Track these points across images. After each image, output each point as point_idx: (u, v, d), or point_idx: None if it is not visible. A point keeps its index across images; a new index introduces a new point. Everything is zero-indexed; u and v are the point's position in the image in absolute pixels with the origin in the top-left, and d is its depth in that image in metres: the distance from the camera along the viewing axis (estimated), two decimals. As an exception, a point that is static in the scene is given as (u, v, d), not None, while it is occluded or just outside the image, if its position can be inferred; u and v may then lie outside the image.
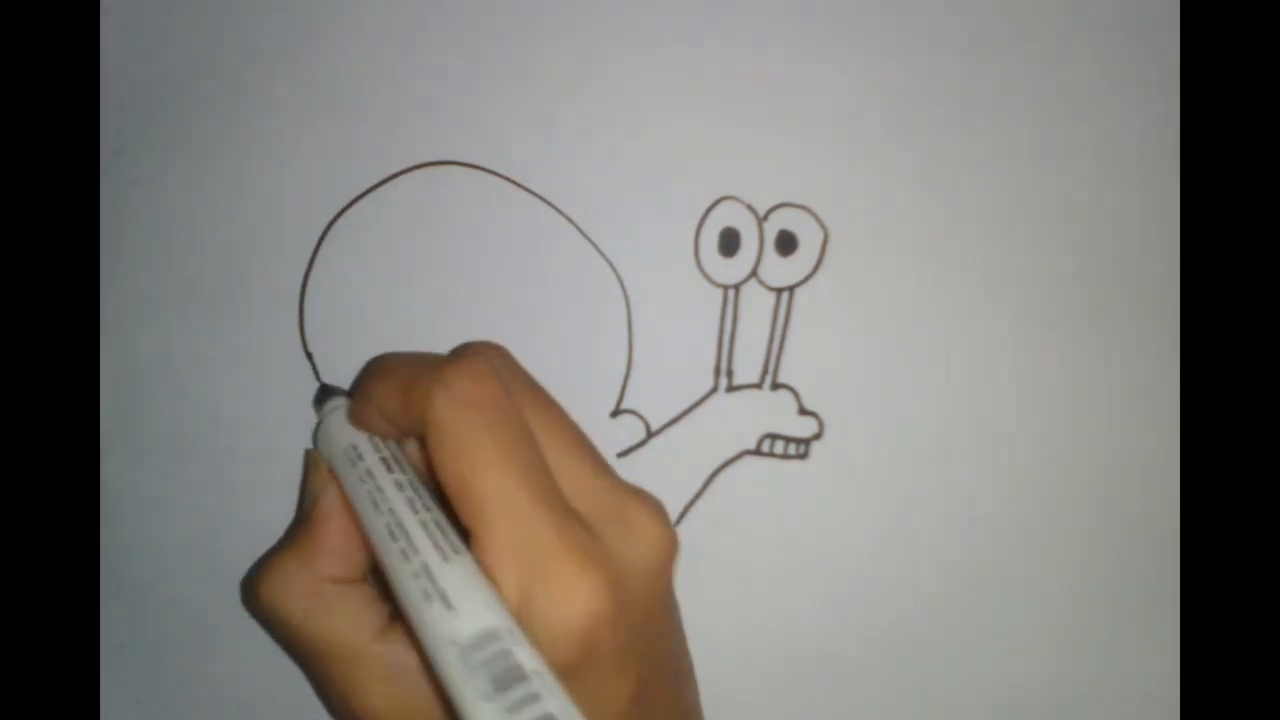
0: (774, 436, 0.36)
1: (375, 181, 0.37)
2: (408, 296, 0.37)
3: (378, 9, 0.37)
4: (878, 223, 0.36)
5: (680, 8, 0.37)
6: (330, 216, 0.37)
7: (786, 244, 0.36)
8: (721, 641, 0.36)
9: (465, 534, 0.26)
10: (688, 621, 0.34)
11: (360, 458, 0.28)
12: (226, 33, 0.38)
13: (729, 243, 0.36)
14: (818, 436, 0.36)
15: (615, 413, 0.36)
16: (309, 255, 0.37)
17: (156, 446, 0.38)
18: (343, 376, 0.37)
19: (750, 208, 0.36)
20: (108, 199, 0.37)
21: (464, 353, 0.27)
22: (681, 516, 0.36)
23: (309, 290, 0.37)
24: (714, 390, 0.36)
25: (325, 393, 0.35)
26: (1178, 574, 0.35)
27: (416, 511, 0.26)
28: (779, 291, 0.36)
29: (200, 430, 0.37)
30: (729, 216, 0.36)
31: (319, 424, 0.32)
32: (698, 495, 0.36)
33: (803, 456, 0.36)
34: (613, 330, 0.36)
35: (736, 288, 0.36)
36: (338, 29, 0.37)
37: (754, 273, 0.36)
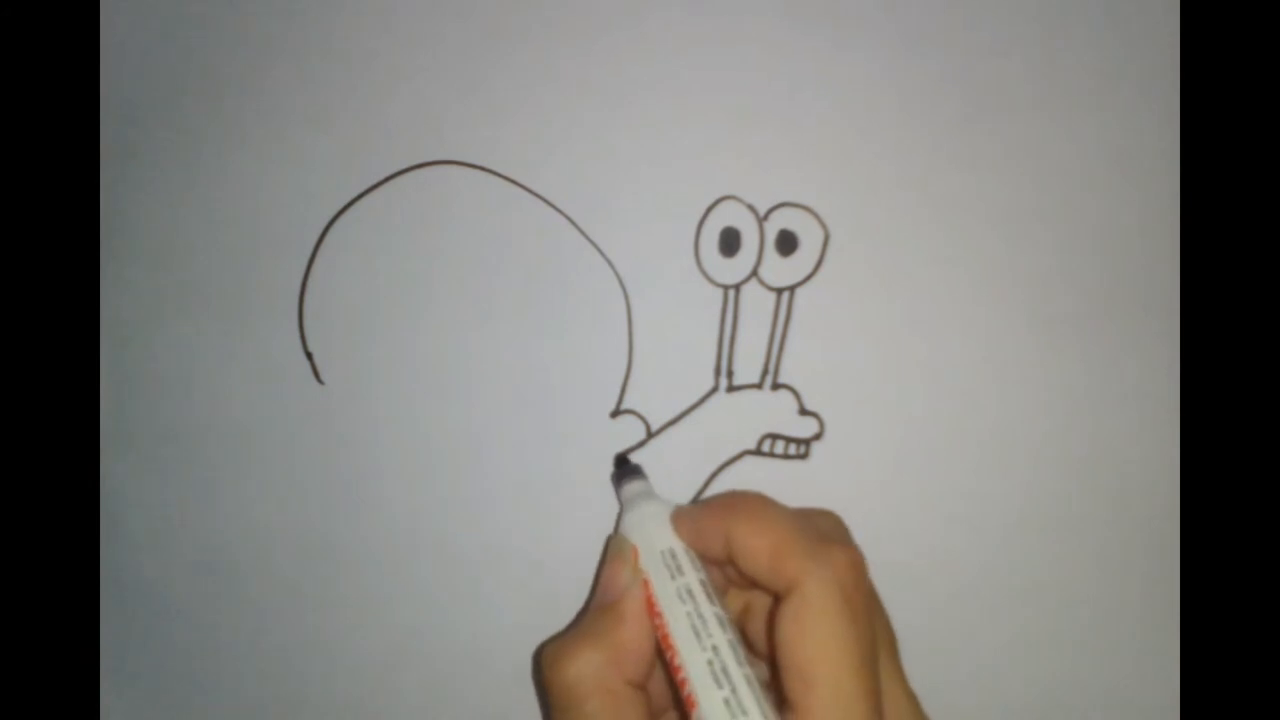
0: (774, 436, 0.36)
1: (375, 181, 0.37)
2: (407, 296, 0.37)
3: (378, 9, 0.37)
4: (878, 223, 0.36)
5: (681, 8, 0.37)
6: (330, 216, 0.37)
7: (787, 244, 0.36)
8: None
9: (777, 700, 0.26)
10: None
11: (680, 571, 0.29)
12: (226, 33, 0.38)
13: (729, 242, 0.36)
14: (818, 436, 0.36)
15: (615, 413, 0.36)
16: (309, 255, 0.37)
17: (156, 446, 0.38)
18: (342, 376, 0.37)
19: (750, 208, 0.36)
20: (108, 199, 0.37)
21: (842, 538, 0.29)
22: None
23: (309, 290, 0.37)
24: (714, 390, 0.36)
25: (627, 469, 0.34)
26: (1178, 574, 0.35)
27: (740, 664, 0.27)
28: (779, 291, 0.36)
29: (200, 430, 0.37)
30: (729, 216, 0.36)
31: (629, 508, 0.32)
32: (698, 495, 0.36)
33: (803, 456, 0.36)
34: (613, 330, 0.36)
35: (736, 288, 0.36)
36: (338, 29, 0.37)
37: (754, 273, 0.36)
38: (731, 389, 0.36)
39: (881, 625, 0.29)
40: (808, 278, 0.36)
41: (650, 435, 0.36)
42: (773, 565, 0.27)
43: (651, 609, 0.28)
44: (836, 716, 0.25)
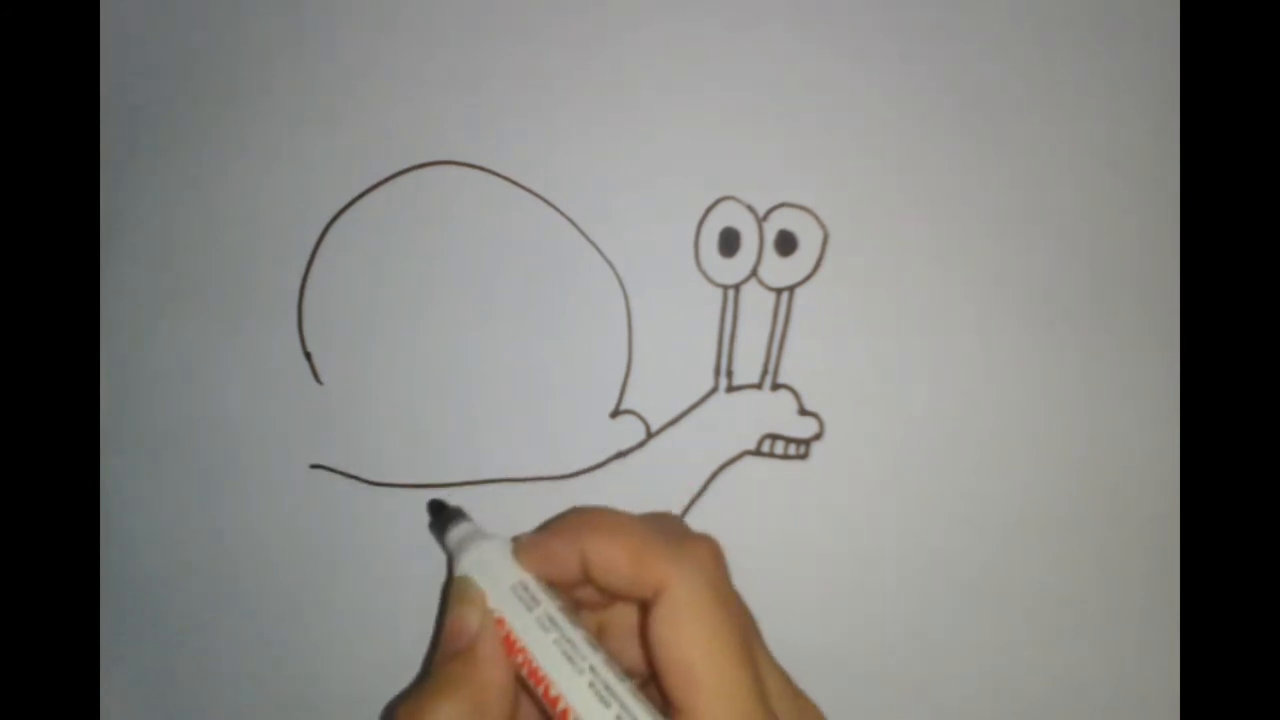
0: (774, 437, 0.36)
1: (375, 181, 0.37)
2: (407, 296, 0.37)
3: (378, 10, 0.37)
4: (878, 223, 0.36)
5: (681, 8, 0.37)
6: (330, 216, 0.37)
7: (786, 244, 0.36)
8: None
9: (661, 706, 0.26)
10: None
11: (536, 601, 0.28)
12: (226, 33, 0.38)
13: (729, 243, 0.36)
14: (818, 436, 0.36)
15: (615, 413, 0.36)
16: (309, 255, 0.37)
17: (156, 446, 0.38)
18: (342, 376, 0.37)
19: (750, 208, 0.36)
20: (108, 199, 0.38)
21: (696, 534, 0.28)
22: (681, 516, 0.36)
23: (308, 290, 0.37)
24: (714, 390, 0.36)
25: (448, 513, 0.32)
26: (1178, 574, 0.35)
27: (621, 679, 0.26)
28: (779, 291, 0.36)
29: (200, 430, 0.37)
30: (729, 216, 0.36)
31: (463, 551, 0.30)
32: (698, 495, 0.36)
33: (803, 456, 0.36)
34: (613, 330, 0.36)
35: (736, 288, 0.36)
36: (338, 29, 0.37)
37: (754, 273, 0.36)
38: (731, 389, 0.36)
39: (745, 610, 0.28)
40: (807, 278, 0.36)
41: (650, 435, 0.36)
42: (635, 573, 0.27)
43: (511, 647, 0.28)
44: (724, 709, 0.25)
